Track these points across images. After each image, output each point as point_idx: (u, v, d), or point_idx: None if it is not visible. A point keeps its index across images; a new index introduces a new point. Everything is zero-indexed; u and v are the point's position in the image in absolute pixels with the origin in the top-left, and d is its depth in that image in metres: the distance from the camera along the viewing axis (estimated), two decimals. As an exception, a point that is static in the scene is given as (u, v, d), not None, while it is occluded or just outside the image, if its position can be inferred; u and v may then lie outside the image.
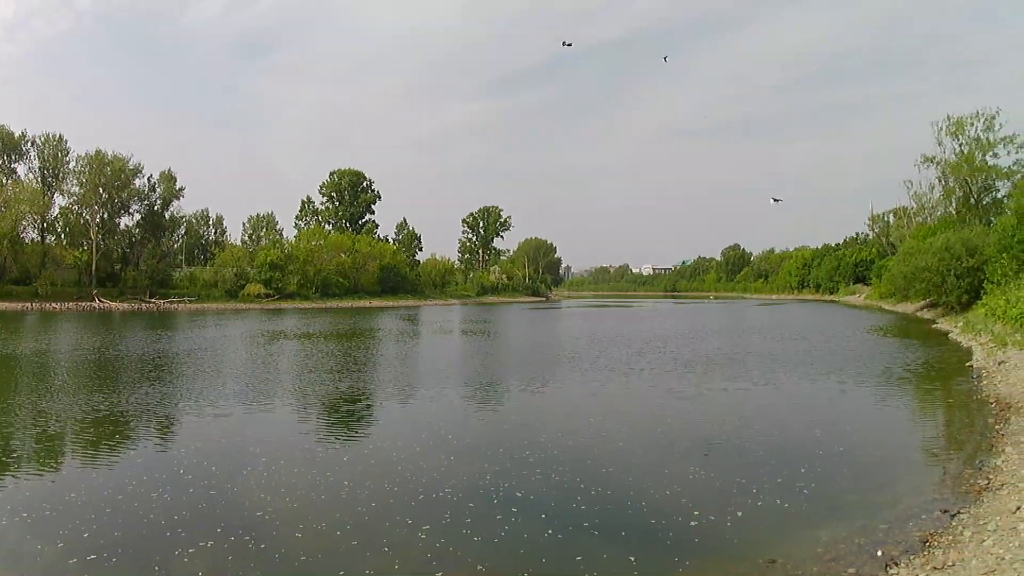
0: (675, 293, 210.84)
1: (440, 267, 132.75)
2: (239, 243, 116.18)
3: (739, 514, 9.22)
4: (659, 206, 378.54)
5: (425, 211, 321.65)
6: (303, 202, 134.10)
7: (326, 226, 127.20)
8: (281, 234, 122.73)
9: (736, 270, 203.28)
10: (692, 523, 8.96)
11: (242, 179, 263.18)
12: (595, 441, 13.85)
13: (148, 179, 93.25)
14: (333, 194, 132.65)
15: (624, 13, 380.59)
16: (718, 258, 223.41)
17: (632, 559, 7.89)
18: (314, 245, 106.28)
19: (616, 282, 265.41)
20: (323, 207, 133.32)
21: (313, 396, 19.24)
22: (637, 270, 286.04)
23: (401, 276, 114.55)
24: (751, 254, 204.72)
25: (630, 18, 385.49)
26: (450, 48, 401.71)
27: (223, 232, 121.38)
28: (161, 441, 14.14)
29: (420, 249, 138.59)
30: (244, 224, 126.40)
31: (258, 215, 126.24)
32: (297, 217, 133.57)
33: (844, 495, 10.22)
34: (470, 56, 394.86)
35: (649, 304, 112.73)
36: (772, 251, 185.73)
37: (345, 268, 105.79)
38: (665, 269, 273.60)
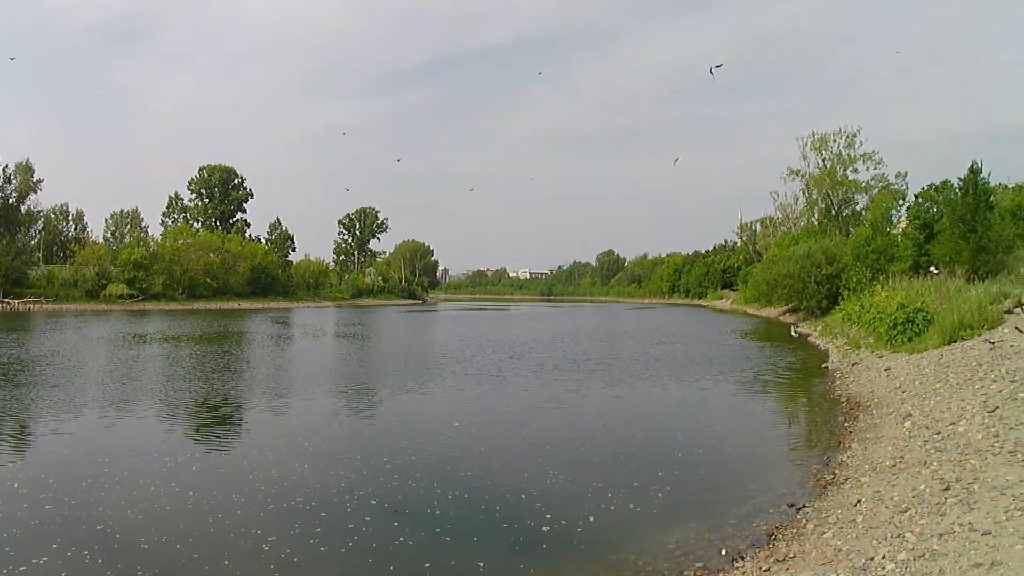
0: (551, 297, 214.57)
1: (314, 268, 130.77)
2: (101, 240, 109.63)
3: (591, 518, 9.33)
4: (536, 211, 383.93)
5: (301, 211, 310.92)
6: (170, 199, 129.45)
7: (194, 224, 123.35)
8: (147, 232, 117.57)
9: (611, 275, 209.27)
10: (544, 528, 8.99)
11: (107, 173, 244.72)
12: (457, 446, 13.79)
13: (3, 170, 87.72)
14: (203, 191, 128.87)
15: (508, 19, 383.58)
16: (593, 263, 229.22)
17: (480, 564, 7.88)
18: (181, 244, 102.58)
19: (493, 285, 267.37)
20: (192, 204, 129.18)
21: (169, 403, 18.34)
22: (514, 274, 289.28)
23: (273, 277, 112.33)
24: (625, 259, 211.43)
25: (514, 24, 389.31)
26: (330, 45, 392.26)
27: (84, 228, 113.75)
28: (-3, 454, 13.19)
29: (293, 250, 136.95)
30: (107, 220, 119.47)
31: (122, 211, 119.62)
32: (164, 214, 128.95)
33: (698, 494, 10.58)
34: (350, 55, 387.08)
35: (525, 307, 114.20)
36: (645, 256, 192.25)
37: (214, 268, 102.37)
38: (542, 273, 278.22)
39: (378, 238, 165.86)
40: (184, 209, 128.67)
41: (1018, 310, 20.39)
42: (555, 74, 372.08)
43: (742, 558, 7.85)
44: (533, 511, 9.61)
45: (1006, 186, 49.33)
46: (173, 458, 12.59)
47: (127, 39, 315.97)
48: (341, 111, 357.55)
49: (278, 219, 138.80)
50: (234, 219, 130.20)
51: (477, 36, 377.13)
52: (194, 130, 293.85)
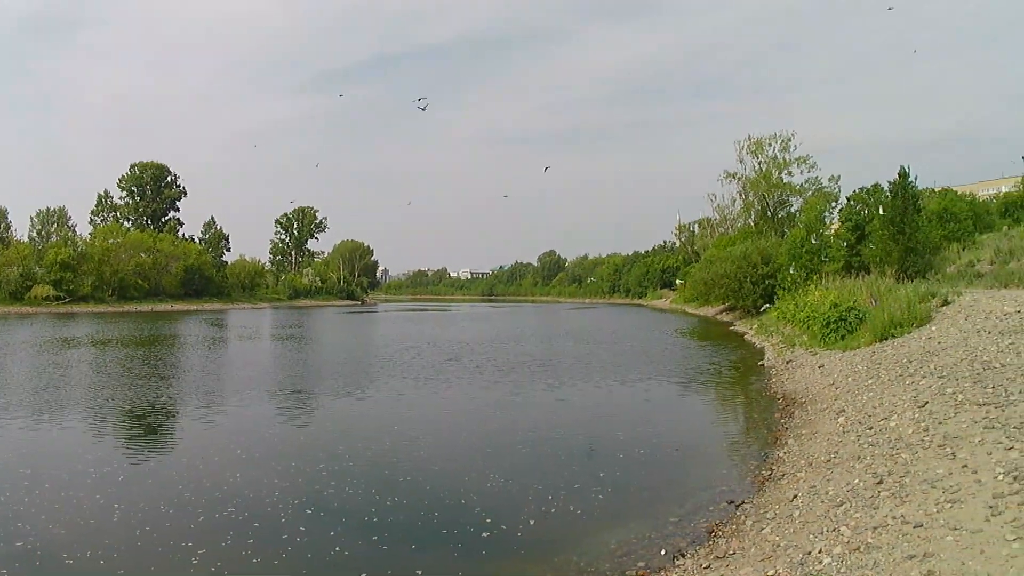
0: (493, 297, 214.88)
1: (249, 269, 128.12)
2: (26, 240, 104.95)
3: (532, 522, 9.31)
4: (478, 211, 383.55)
5: (236, 210, 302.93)
6: (100, 196, 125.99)
7: (125, 223, 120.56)
8: (75, 231, 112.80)
9: (552, 275, 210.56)
10: (484, 533, 8.92)
11: (34, 169, 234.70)
12: (396, 451, 13.60)
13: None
14: (134, 188, 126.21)
15: (454, 18, 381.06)
16: (535, 263, 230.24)
17: (419, 572, 7.76)
18: (111, 243, 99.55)
19: (434, 285, 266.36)
20: (122, 202, 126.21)
21: (96, 411, 17.69)
22: (455, 274, 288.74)
23: (207, 278, 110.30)
24: (566, 260, 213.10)
25: (459, 23, 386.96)
26: (270, 41, 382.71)
27: (7, 227, 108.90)
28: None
29: (228, 250, 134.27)
30: (32, 219, 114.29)
31: (48, 209, 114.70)
32: (93, 212, 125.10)
33: (639, 494, 10.65)
34: (291, 50, 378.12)
35: (466, 308, 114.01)
36: (586, 257, 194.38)
37: (145, 269, 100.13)
38: (483, 273, 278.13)
39: (316, 238, 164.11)
40: (114, 208, 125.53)
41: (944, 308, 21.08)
42: (499, 74, 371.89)
43: (683, 556, 7.91)
44: (473, 515, 9.52)
45: (932, 190, 51.23)
46: (99, 469, 12.13)
47: (57, 29, 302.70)
48: (280, 108, 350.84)
49: (212, 218, 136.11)
50: (167, 218, 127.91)
51: (423, 33, 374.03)
52: (125, 124, 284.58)
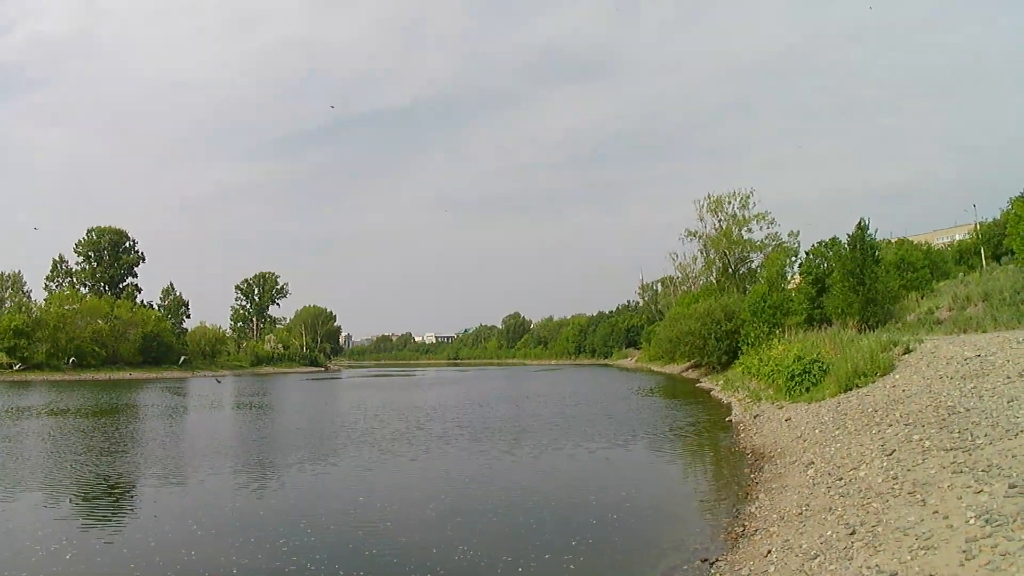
0: (458, 361, 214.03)
1: (210, 335, 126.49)
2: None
3: (500, 597, 9.05)
4: (440, 274, 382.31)
5: (196, 276, 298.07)
6: (55, 261, 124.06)
7: (82, 289, 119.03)
8: (29, 297, 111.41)
9: (517, 337, 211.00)
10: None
11: None
12: (360, 523, 13.20)
13: None
14: (91, 254, 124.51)
15: (407, 82, 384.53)
16: (499, 326, 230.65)
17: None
18: (67, 310, 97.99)
19: (399, 351, 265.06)
20: (79, 268, 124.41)
21: (48, 484, 17.35)
22: (420, 338, 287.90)
23: (166, 345, 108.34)
24: (531, 321, 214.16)
25: (413, 88, 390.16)
26: (224, 104, 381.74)
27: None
28: None
29: (188, 316, 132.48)
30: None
31: (2, 274, 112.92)
32: (48, 278, 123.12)
33: (613, 558, 10.44)
34: (245, 114, 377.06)
35: (432, 372, 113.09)
36: (551, 318, 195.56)
37: (103, 336, 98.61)
38: (448, 337, 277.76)
39: (278, 304, 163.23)
40: (70, 273, 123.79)
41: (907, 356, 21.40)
42: (452, 138, 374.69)
43: (658, 618, 7.74)
44: (441, 590, 9.26)
45: (889, 241, 52.62)
46: (45, 546, 11.64)
47: (8, 90, 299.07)
48: (237, 171, 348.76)
49: (171, 284, 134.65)
50: (124, 284, 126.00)
51: (376, 98, 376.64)
52: (79, 187, 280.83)
